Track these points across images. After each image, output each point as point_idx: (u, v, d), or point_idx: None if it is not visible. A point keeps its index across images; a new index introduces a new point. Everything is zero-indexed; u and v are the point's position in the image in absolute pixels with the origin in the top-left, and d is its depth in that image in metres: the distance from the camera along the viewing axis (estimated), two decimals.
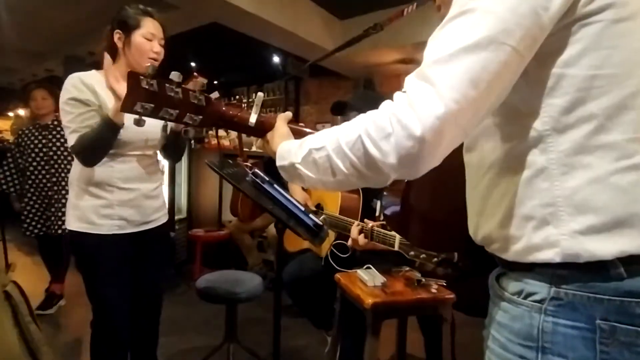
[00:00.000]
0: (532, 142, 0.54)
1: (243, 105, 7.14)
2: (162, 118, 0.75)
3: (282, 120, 0.82)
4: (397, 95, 0.54)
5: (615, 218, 0.49)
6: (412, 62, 4.83)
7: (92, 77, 1.46)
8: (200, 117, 0.78)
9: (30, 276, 3.34)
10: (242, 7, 3.49)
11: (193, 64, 5.76)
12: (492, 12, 0.50)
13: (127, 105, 0.71)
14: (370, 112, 0.55)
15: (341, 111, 1.84)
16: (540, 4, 0.49)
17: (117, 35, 1.45)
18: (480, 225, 0.64)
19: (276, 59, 5.43)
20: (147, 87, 0.70)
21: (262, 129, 0.82)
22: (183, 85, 1.41)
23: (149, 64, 0.75)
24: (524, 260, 0.56)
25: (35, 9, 4.32)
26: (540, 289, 0.54)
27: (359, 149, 0.54)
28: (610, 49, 0.50)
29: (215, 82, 7.04)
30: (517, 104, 0.55)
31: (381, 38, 4.26)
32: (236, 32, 4.09)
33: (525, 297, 0.55)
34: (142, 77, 0.70)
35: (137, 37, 1.44)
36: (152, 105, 0.72)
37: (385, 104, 0.55)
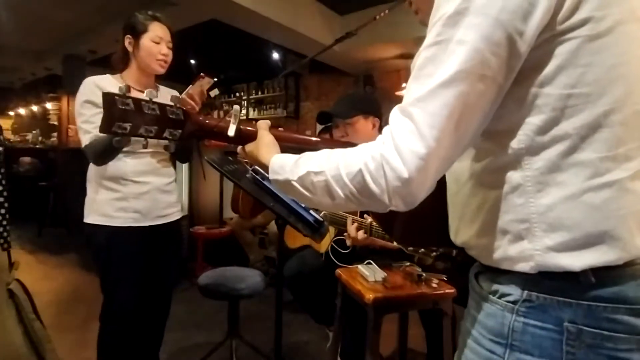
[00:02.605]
0: (509, 159, 0.55)
1: (243, 102, 7.13)
2: (141, 136, 0.75)
3: (264, 129, 0.83)
4: (385, 131, 0.55)
5: (587, 235, 0.51)
6: (412, 57, 4.80)
7: (106, 80, 1.55)
8: (180, 131, 0.78)
9: (33, 274, 3.36)
10: (241, 4, 3.48)
11: (192, 61, 5.75)
12: (466, 43, 0.50)
13: (105, 127, 0.70)
14: (370, 146, 0.57)
15: (327, 121, 1.87)
16: (516, 29, 0.49)
17: (127, 40, 1.55)
18: (460, 231, 0.65)
19: (276, 56, 5.41)
20: (122, 107, 0.70)
21: (242, 139, 0.83)
22: (192, 85, 1.43)
23: (122, 85, 0.75)
24: (500, 267, 0.58)
25: (34, 7, 4.31)
26: (514, 290, 0.56)
27: (359, 182, 0.56)
28: (584, 67, 0.51)
29: (215, 79, 7.02)
30: (494, 121, 0.56)
31: (381, 34, 4.26)
32: (235, 29, 4.08)
33: (500, 297, 0.58)
34: (117, 98, 0.70)
35: (146, 40, 1.53)
36: (130, 124, 0.72)
37: (379, 141, 0.56)
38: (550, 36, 0.51)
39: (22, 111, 8.63)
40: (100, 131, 0.72)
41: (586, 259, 0.51)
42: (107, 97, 0.69)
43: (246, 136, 0.83)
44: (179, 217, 1.74)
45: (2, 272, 1.11)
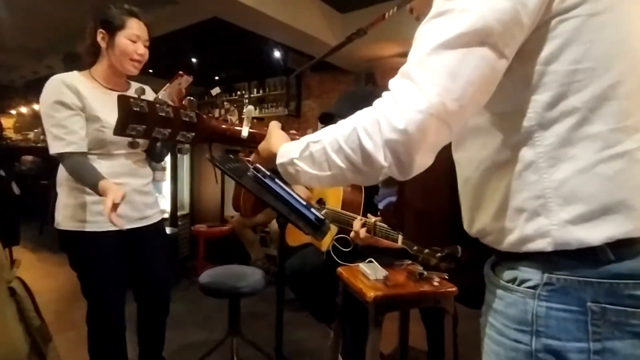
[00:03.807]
0: (520, 137, 0.55)
1: (245, 101, 7.12)
2: (155, 138, 0.76)
3: (275, 126, 0.84)
4: (384, 94, 0.55)
5: (602, 206, 0.51)
6: None
7: (74, 78, 1.43)
8: (193, 133, 0.79)
9: (34, 272, 3.37)
10: (242, 2, 3.47)
11: (194, 60, 5.74)
12: (470, 10, 0.50)
13: (119, 129, 0.71)
14: (368, 107, 0.57)
15: (330, 121, 1.87)
16: (519, 0, 0.50)
17: (100, 35, 1.42)
18: (474, 219, 0.65)
19: (277, 54, 5.41)
20: (137, 109, 0.71)
21: (254, 141, 0.84)
22: (169, 84, 1.39)
23: (138, 87, 0.75)
24: (518, 251, 0.57)
25: (35, 5, 4.30)
26: (533, 275, 0.56)
27: (353, 141, 0.56)
28: (588, 44, 0.52)
29: (217, 77, 7.02)
30: (502, 102, 0.56)
31: (382, 32, 4.24)
32: (237, 27, 4.07)
33: (519, 284, 0.57)
34: (132, 100, 0.70)
35: (122, 38, 1.41)
36: (144, 126, 0.72)
37: (376, 101, 0.56)
38: (551, 16, 0.52)
39: (23, 110, 8.63)
40: (114, 133, 0.72)
41: (603, 231, 0.51)
42: (122, 100, 0.70)
43: (259, 139, 0.83)
44: (158, 218, 1.64)
45: (3, 270, 1.11)
